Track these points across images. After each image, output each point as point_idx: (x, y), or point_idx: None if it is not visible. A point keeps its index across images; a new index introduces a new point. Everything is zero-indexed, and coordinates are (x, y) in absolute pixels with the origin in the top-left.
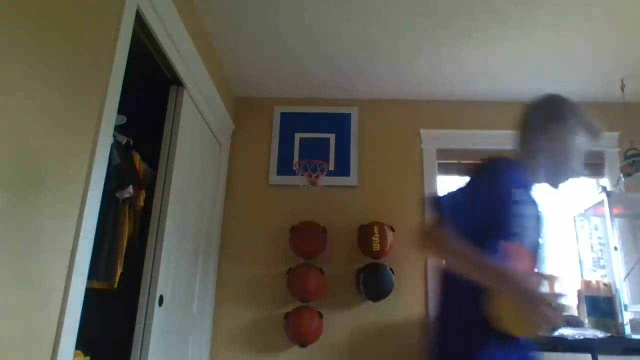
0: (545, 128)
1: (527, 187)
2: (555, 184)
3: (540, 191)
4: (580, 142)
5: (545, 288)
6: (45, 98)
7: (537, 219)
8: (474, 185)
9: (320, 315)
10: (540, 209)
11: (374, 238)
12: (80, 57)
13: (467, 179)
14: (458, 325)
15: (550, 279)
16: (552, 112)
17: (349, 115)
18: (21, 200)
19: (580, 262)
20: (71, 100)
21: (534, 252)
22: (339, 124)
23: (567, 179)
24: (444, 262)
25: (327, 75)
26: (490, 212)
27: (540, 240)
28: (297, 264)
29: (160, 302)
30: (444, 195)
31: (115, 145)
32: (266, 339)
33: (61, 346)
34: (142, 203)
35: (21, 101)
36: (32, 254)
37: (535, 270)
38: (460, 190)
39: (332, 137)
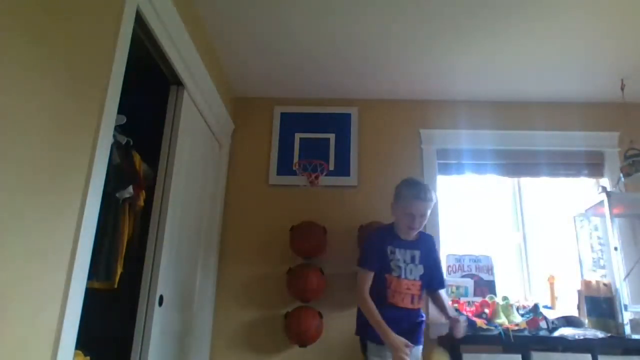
0: (393, 201)
1: (398, 241)
2: (405, 234)
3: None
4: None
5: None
6: (45, 98)
7: (413, 257)
8: (366, 244)
9: (320, 315)
10: (418, 250)
11: None
12: (80, 57)
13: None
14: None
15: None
16: (395, 190)
17: (348, 115)
18: (21, 200)
19: (580, 262)
20: (71, 100)
21: (410, 278)
22: (339, 124)
23: (408, 231)
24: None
25: (327, 75)
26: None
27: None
28: (297, 264)
29: (160, 302)
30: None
31: (115, 145)
32: (266, 339)
33: (61, 346)
34: (142, 203)
35: (21, 101)
36: (32, 254)
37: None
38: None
39: (332, 137)
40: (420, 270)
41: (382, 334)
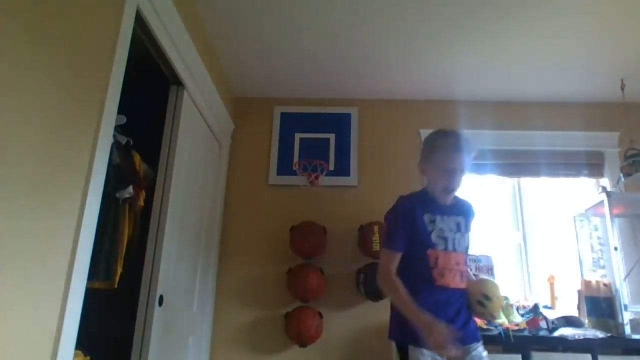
0: (422, 159)
1: (436, 207)
2: (443, 198)
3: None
4: (445, 162)
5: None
6: (45, 98)
7: (458, 225)
8: (390, 220)
9: (320, 315)
10: (457, 218)
11: (373, 238)
12: (80, 57)
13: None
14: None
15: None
16: (425, 144)
17: (348, 115)
18: (21, 200)
19: (580, 262)
20: (71, 100)
21: (459, 251)
22: (339, 124)
23: (446, 192)
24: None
25: (327, 75)
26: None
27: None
28: (297, 264)
29: (160, 302)
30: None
31: (115, 145)
32: (266, 339)
33: (61, 346)
34: (142, 203)
35: (21, 101)
36: (32, 254)
37: (462, 264)
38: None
39: (332, 137)
40: (466, 240)
41: (412, 316)
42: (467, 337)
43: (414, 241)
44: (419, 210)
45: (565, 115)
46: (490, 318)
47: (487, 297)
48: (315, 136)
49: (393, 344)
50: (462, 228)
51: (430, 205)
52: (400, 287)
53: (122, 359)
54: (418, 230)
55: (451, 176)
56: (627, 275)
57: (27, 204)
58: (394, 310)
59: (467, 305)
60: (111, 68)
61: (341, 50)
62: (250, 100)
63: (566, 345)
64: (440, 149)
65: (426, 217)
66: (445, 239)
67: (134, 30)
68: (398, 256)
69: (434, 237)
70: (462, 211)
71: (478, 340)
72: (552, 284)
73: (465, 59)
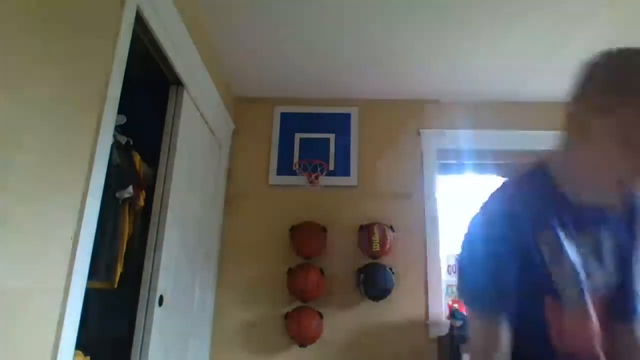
0: (603, 104)
1: (563, 214)
2: (605, 199)
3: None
4: None
5: None
6: (44, 98)
7: (598, 251)
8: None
9: (320, 315)
10: (608, 234)
11: (374, 238)
12: (80, 57)
13: (467, 234)
14: None
15: None
16: (617, 79)
17: (349, 115)
18: (21, 201)
19: None
20: (71, 101)
21: (603, 300)
22: (339, 124)
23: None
24: None
25: (327, 75)
26: (512, 276)
27: (616, 279)
28: (297, 264)
29: (160, 302)
30: (464, 281)
31: (115, 145)
32: (266, 339)
33: (61, 346)
34: (142, 203)
35: (20, 101)
36: (32, 254)
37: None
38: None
39: (332, 137)
40: (609, 270)
41: None
42: None
43: (525, 280)
44: (537, 219)
45: None
46: None
47: None
48: (315, 136)
49: None
50: (604, 250)
51: (559, 209)
52: None
53: (122, 359)
54: (530, 265)
55: None
56: None
57: (28, 204)
58: None
59: None
60: (111, 68)
61: (341, 50)
62: (250, 100)
63: None
64: None
65: (547, 237)
66: (577, 284)
67: (134, 30)
68: (504, 327)
69: (559, 280)
70: (610, 216)
71: None
72: None
73: (465, 59)
